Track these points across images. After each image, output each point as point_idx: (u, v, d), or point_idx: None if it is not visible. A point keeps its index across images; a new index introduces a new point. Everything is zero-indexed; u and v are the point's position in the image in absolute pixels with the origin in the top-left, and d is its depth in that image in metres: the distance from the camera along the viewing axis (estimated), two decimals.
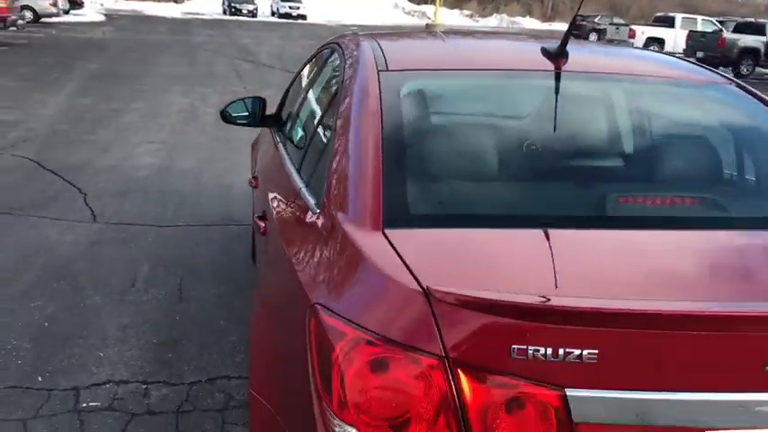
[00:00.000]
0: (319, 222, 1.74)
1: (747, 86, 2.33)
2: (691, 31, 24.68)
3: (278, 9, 44.50)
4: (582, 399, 1.22)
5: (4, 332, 3.44)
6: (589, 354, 1.21)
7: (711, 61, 23.11)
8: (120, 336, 3.48)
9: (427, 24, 29.42)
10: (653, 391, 1.23)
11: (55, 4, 28.65)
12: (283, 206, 2.20)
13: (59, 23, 28.06)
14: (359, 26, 41.47)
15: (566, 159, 2.03)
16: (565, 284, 1.36)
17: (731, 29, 24.00)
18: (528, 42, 2.54)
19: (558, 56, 2.14)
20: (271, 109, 3.61)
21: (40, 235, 4.82)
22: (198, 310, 3.81)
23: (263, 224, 2.34)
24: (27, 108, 9.69)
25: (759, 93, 2.30)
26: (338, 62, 2.47)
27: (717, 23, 27.02)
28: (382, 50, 2.26)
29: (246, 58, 18.77)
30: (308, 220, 1.83)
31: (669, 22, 27.65)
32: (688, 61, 2.59)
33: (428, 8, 55.25)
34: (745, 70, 22.27)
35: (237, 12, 43.28)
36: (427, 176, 1.80)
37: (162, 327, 3.60)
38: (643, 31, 27.29)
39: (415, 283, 1.31)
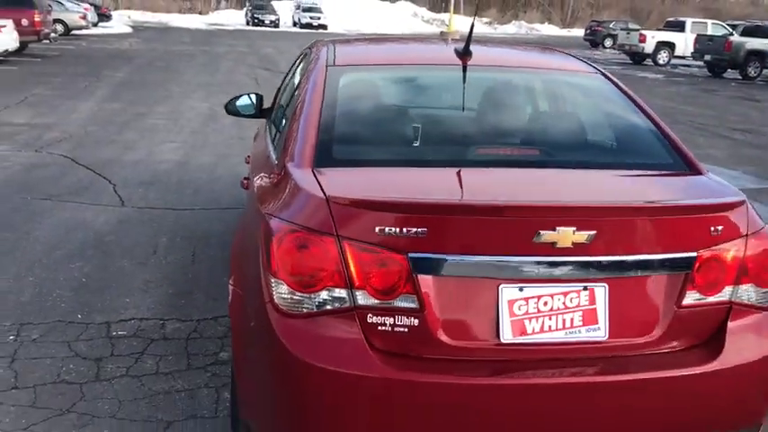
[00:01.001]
0: (275, 169, 2.52)
1: (610, 76, 3.08)
2: (698, 34, 25.16)
3: (299, 19, 45.59)
4: (418, 259, 1.97)
5: (51, 285, 4.25)
6: (422, 231, 1.96)
7: (719, 64, 23.60)
8: (142, 288, 4.28)
9: (442, 32, 30.10)
10: (463, 254, 1.98)
11: (84, 18, 29.86)
12: (258, 165, 2.99)
13: (89, 36, 29.26)
14: (377, 35, 42.35)
15: (450, 125, 2.80)
16: (416, 191, 2.13)
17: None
18: (449, 45, 3.28)
19: (463, 54, 2.89)
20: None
21: (77, 216, 5.64)
22: (207, 270, 4.60)
23: (245, 182, 3.13)
24: (61, 113, 10.60)
25: (617, 81, 3.04)
26: (306, 61, 3.25)
27: (727, 27, 27.40)
28: (335, 52, 3.05)
29: (266, 66, 19.67)
30: (270, 169, 2.61)
31: (680, 27, 28.09)
32: (578, 58, 3.34)
33: (446, 16, 55.83)
34: (752, 72, 22.72)
35: (260, 23, 44.41)
36: (348, 135, 2.57)
37: (177, 282, 4.39)
38: (653, 36, 27.76)
39: (322, 194, 2.07)
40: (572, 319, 2.04)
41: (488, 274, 2.00)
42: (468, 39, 2.87)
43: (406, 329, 2.00)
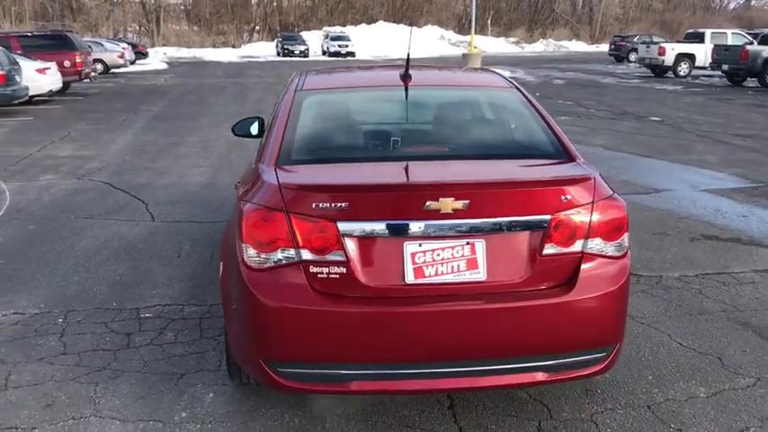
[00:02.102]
0: (252, 170, 3.33)
1: (522, 90, 3.84)
2: (715, 45, 25.53)
3: (328, 48, 46.88)
4: (344, 226, 2.74)
5: (91, 282, 5.11)
6: (345, 205, 2.74)
7: (737, 73, 23.93)
8: (167, 283, 5.11)
9: (464, 54, 30.94)
10: (375, 220, 2.75)
11: (122, 57, 31.48)
12: (245, 171, 3.83)
13: (127, 73, 30.82)
14: (404, 60, 43.46)
15: (383, 131, 3.60)
16: (343, 178, 2.93)
17: None
18: (396, 70, 4.06)
19: (404, 77, 3.68)
20: None
21: (114, 230, 6.54)
22: None
23: (238, 185, 3.95)
24: (100, 145, 11.66)
25: (527, 94, 3.80)
26: (285, 88, 4.09)
27: (747, 36, 27.71)
28: (305, 79, 3.88)
29: None
30: (249, 171, 3.43)
31: (699, 38, 28.48)
32: (502, 76, 4.11)
33: (474, 38, 56.70)
34: None
35: (290, 53, 45.76)
36: (304, 141, 3.37)
37: (196, 277, 5.22)
38: (673, 48, 28.20)
39: (276, 182, 2.87)
40: (458, 266, 2.79)
41: (395, 234, 2.77)
42: (407, 64, 3.66)
43: (337, 276, 2.77)
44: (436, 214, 2.74)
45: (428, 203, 2.72)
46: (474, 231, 2.79)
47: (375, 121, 3.73)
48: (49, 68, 18.24)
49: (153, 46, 50.76)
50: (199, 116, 15.68)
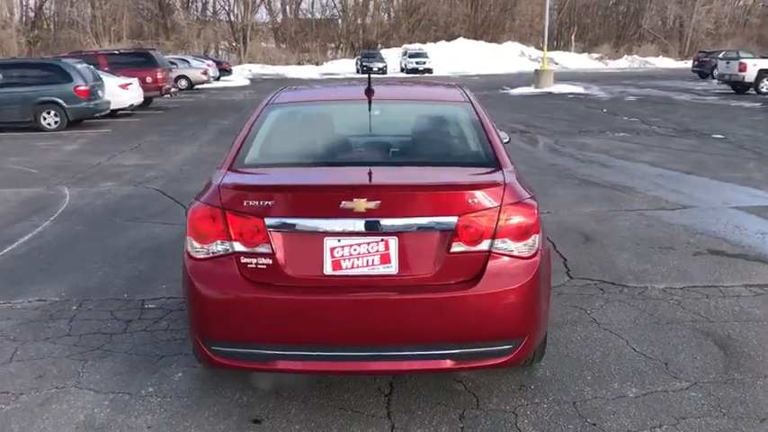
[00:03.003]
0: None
1: (475, 105, 4.10)
2: None
3: (406, 65, 47.51)
4: (270, 221, 3.09)
5: (113, 277, 5.65)
6: (271, 203, 3.09)
7: None
8: (178, 279, 5.57)
9: (536, 71, 30.86)
10: (298, 218, 3.08)
11: (205, 73, 32.97)
12: None
13: (210, 89, 32.25)
14: (481, 75, 43.54)
15: (333, 139, 3.93)
16: (274, 180, 3.29)
17: None
18: (361, 86, 4.37)
19: (368, 91, 4.01)
20: None
21: (149, 232, 7.11)
22: None
23: None
24: (164, 156, 12.45)
25: (479, 108, 4.05)
26: None
27: None
28: (278, 95, 4.28)
29: None
30: None
31: None
32: (463, 91, 4.38)
33: (555, 54, 56.22)
34: None
35: (368, 70, 46.15)
36: (258, 149, 3.75)
37: None
38: (755, 64, 27.28)
39: (217, 184, 3.25)
40: (373, 260, 3.10)
41: (316, 229, 3.10)
42: (369, 81, 4.00)
43: (265, 266, 3.13)
44: (351, 213, 3.06)
45: (343, 203, 3.05)
46: (387, 229, 3.09)
47: (328, 131, 4.08)
48: (131, 84, 19.46)
49: (240, 63, 52.76)
50: None
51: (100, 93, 17.41)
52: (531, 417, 3.42)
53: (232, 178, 3.38)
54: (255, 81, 39.63)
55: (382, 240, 3.10)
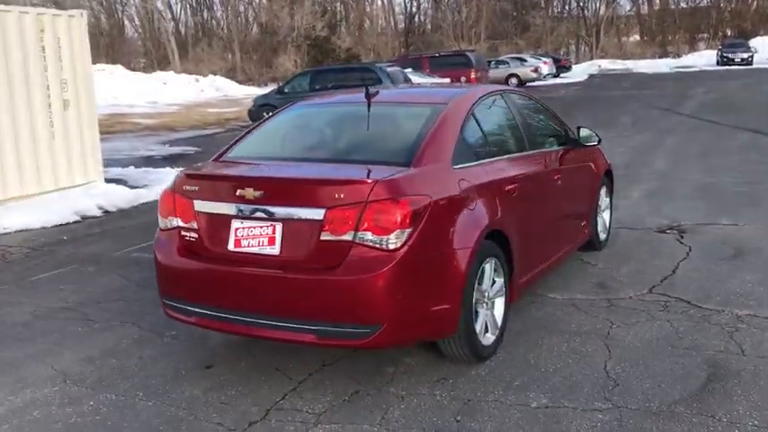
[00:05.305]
0: None
1: (451, 108, 4.15)
2: None
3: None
4: (197, 203, 3.76)
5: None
6: (197, 188, 3.77)
7: None
8: None
9: None
10: (213, 201, 3.71)
11: (536, 71, 33.56)
12: None
13: (539, 86, 32.61)
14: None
15: (301, 139, 4.41)
16: (208, 170, 3.94)
17: None
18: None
19: (368, 95, 4.39)
20: None
21: None
22: None
23: None
24: None
25: (455, 112, 4.11)
26: None
27: None
28: (306, 98, 4.88)
29: (668, 107, 19.96)
30: None
31: None
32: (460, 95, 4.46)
33: None
34: None
35: (729, 61, 42.37)
36: (241, 145, 4.37)
37: None
38: None
39: (185, 171, 4.03)
40: (263, 241, 3.59)
41: (225, 212, 3.70)
42: (367, 88, 4.39)
43: (194, 240, 3.82)
44: (244, 199, 3.60)
45: (238, 191, 3.61)
46: (274, 215, 3.56)
47: (299, 132, 4.60)
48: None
49: (591, 59, 52.08)
50: None
51: None
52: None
53: (195, 168, 4.14)
54: (595, 77, 38.84)
55: (271, 225, 3.58)
